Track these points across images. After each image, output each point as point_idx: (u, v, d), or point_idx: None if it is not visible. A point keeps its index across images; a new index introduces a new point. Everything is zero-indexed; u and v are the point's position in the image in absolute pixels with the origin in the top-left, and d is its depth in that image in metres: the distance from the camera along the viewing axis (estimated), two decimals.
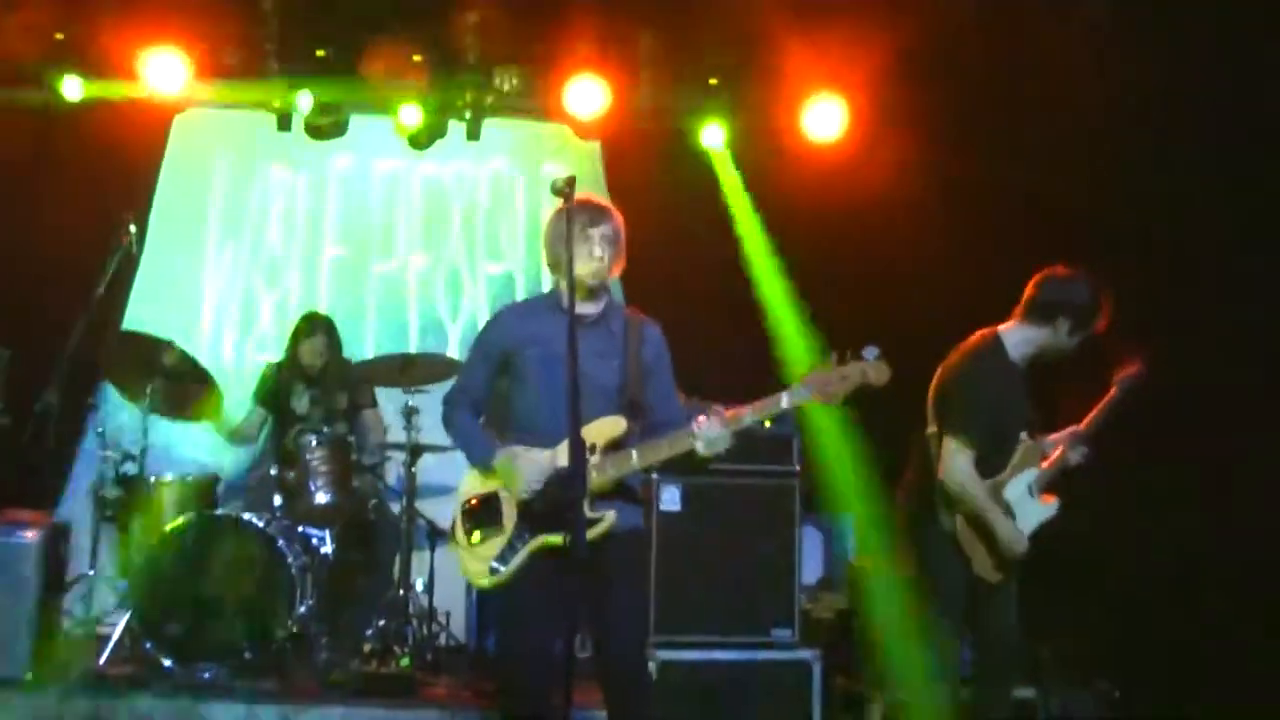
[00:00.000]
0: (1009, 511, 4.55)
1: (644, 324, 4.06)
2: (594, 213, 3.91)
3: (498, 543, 3.88)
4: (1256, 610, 5.71)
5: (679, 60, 7.68)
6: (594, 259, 3.87)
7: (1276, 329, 5.70)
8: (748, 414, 3.80)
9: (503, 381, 4.05)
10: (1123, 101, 6.18)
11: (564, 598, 3.58)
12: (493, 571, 3.86)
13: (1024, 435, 4.64)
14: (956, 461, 4.44)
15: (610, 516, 3.80)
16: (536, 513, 3.83)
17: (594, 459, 3.79)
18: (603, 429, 3.83)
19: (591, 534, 3.71)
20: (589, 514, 3.74)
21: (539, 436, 3.87)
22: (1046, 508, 4.65)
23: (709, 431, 3.73)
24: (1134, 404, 4.82)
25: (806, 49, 7.29)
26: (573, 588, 3.54)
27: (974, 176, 6.70)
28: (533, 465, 3.82)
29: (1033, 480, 4.64)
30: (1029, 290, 4.59)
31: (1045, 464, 4.68)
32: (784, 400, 3.78)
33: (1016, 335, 4.59)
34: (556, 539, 3.74)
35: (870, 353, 3.74)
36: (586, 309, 3.96)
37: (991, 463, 4.53)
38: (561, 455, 3.72)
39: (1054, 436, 4.79)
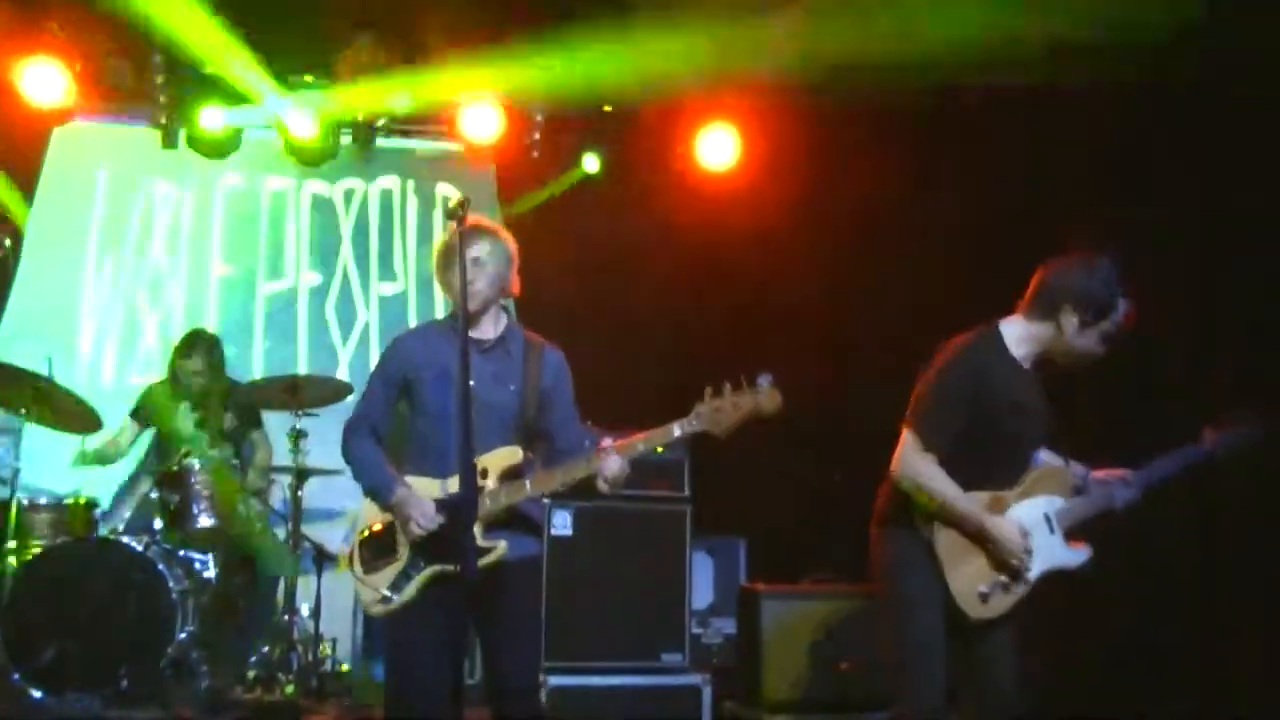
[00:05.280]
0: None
1: (544, 349, 4.03)
2: (469, 235, 3.83)
3: (392, 571, 3.84)
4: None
5: (574, 86, 7.71)
6: (467, 283, 3.79)
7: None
8: (640, 443, 3.80)
9: (403, 406, 4.02)
10: (1025, 125, 6.32)
11: (456, 626, 3.55)
12: (385, 600, 3.82)
13: (1044, 456, 4.07)
14: (908, 453, 3.83)
15: (501, 547, 3.78)
16: (430, 542, 3.79)
17: (489, 487, 3.77)
18: (499, 459, 3.82)
19: (482, 563, 3.70)
20: (481, 543, 3.73)
21: (435, 462, 3.84)
22: (1070, 552, 3.94)
23: (607, 467, 3.73)
24: (1235, 469, 4.18)
25: (701, 78, 7.37)
26: (464, 615, 3.52)
27: (881, 206, 6.81)
28: (423, 505, 3.78)
29: (1056, 511, 3.96)
30: (1033, 280, 3.94)
31: (1075, 496, 4.01)
32: (675, 430, 3.78)
33: (1017, 329, 3.92)
34: (450, 568, 3.71)
35: (764, 381, 3.74)
36: (484, 332, 3.95)
37: (988, 472, 3.87)
38: (453, 485, 3.71)
39: (1100, 474, 4.10)
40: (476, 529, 3.70)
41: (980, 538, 3.81)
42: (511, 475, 3.83)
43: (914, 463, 3.82)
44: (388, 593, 3.81)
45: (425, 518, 3.76)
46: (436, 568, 3.78)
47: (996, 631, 3.88)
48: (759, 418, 3.76)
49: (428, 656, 3.73)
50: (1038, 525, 3.90)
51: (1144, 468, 4.07)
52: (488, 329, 3.96)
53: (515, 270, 4.00)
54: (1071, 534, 3.98)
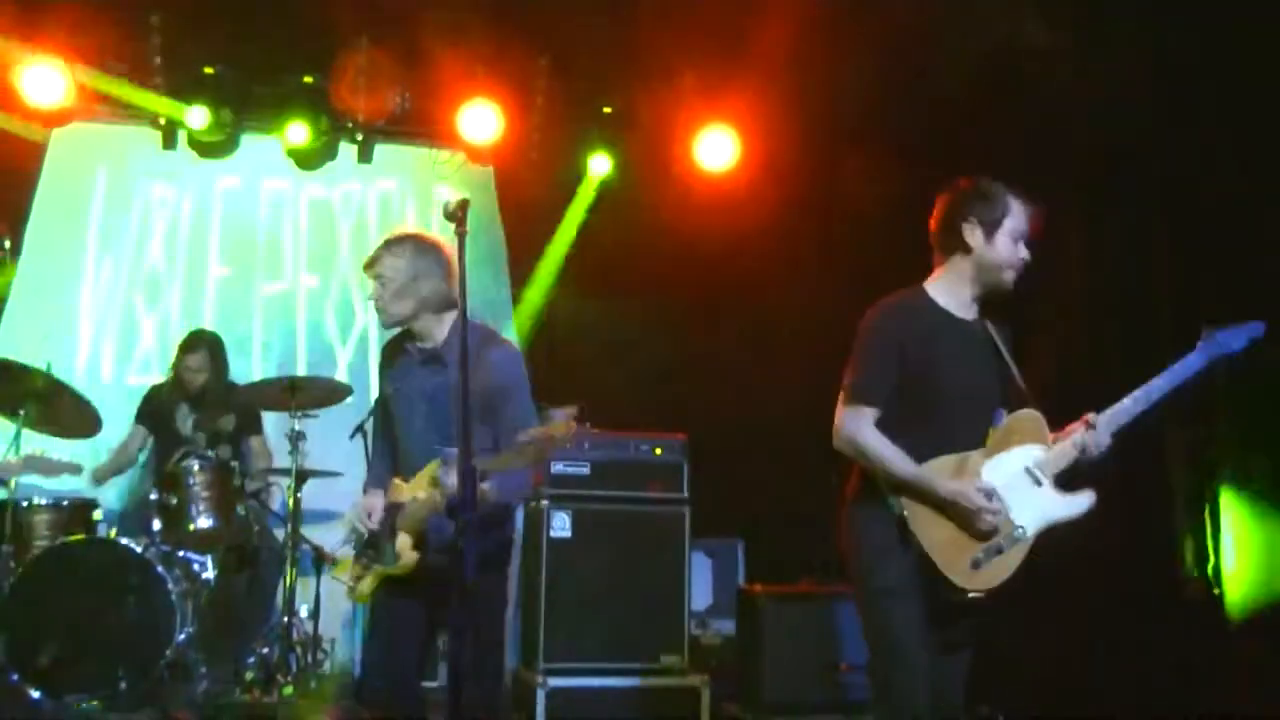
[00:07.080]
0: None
1: (490, 350, 3.87)
2: (381, 250, 4.04)
3: (359, 566, 4.03)
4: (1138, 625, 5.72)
5: (573, 87, 7.72)
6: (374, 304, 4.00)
7: None
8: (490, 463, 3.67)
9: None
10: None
11: (416, 616, 3.88)
12: (350, 589, 4.09)
13: (1006, 413, 3.73)
14: (845, 417, 3.65)
15: (410, 558, 3.83)
16: (369, 545, 3.96)
17: (419, 497, 3.78)
18: (434, 467, 3.75)
19: (400, 566, 3.83)
20: (402, 556, 3.83)
21: (409, 469, 3.94)
22: (1069, 501, 3.68)
23: (447, 481, 3.60)
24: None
25: (700, 79, 7.38)
26: (420, 608, 3.83)
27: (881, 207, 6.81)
28: (370, 504, 3.96)
29: (1036, 462, 3.68)
30: (929, 232, 3.85)
31: (1053, 439, 3.72)
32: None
33: (939, 281, 3.80)
34: (389, 570, 3.86)
35: (559, 414, 3.42)
36: (428, 340, 3.96)
37: (948, 435, 3.64)
38: (392, 492, 3.91)
39: (1060, 433, 3.76)
40: (405, 539, 3.82)
41: (939, 503, 3.56)
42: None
43: (848, 423, 3.63)
44: (350, 583, 4.06)
45: (369, 517, 3.94)
46: (378, 568, 3.91)
47: (962, 627, 3.69)
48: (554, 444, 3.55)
49: (392, 639, 3.98)
50: (1017, 480, 3.64)
51: (1106, 409, 3.74)
52: (435, 335, 3.95)
53: (449, 277, 3.89)
54: (1071, 482, 3.70)
